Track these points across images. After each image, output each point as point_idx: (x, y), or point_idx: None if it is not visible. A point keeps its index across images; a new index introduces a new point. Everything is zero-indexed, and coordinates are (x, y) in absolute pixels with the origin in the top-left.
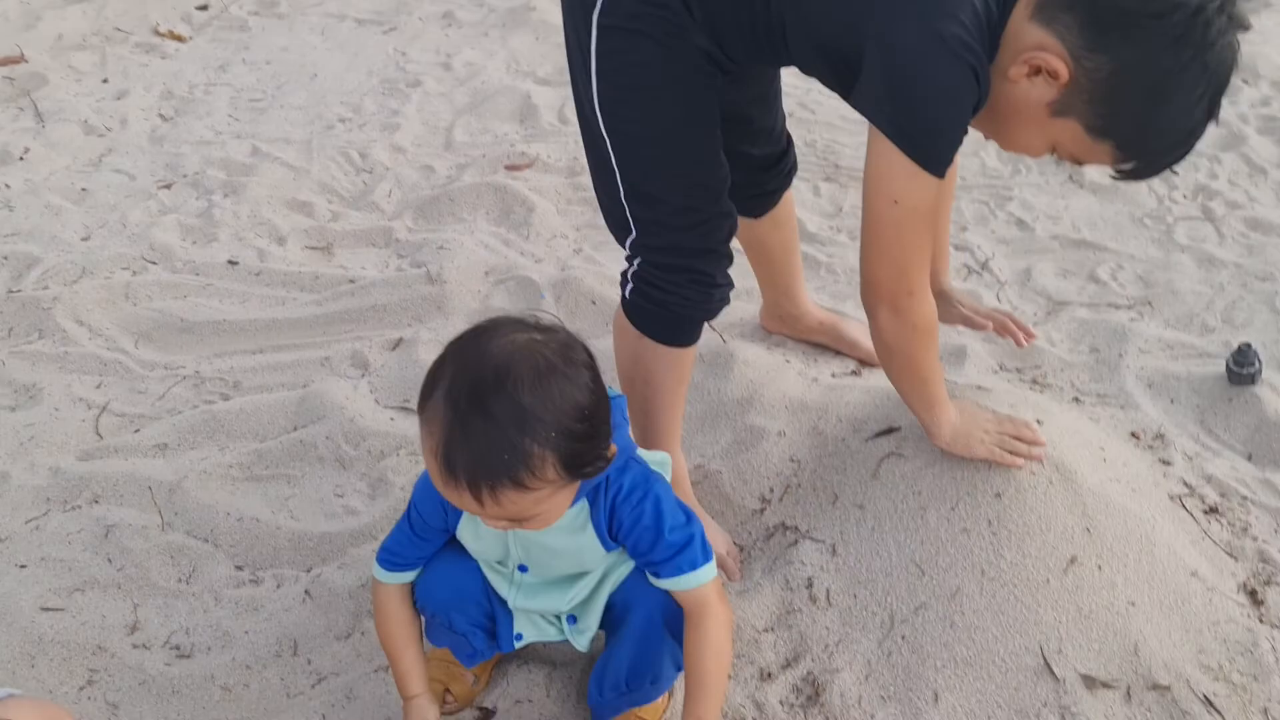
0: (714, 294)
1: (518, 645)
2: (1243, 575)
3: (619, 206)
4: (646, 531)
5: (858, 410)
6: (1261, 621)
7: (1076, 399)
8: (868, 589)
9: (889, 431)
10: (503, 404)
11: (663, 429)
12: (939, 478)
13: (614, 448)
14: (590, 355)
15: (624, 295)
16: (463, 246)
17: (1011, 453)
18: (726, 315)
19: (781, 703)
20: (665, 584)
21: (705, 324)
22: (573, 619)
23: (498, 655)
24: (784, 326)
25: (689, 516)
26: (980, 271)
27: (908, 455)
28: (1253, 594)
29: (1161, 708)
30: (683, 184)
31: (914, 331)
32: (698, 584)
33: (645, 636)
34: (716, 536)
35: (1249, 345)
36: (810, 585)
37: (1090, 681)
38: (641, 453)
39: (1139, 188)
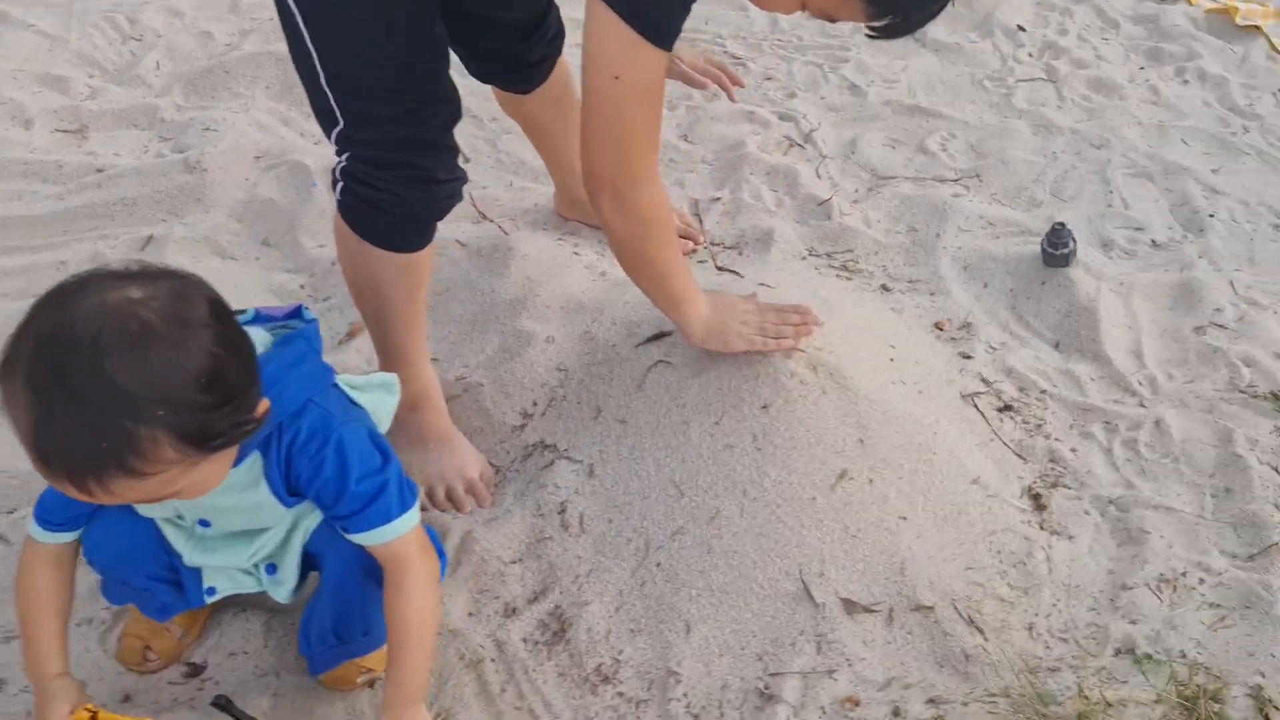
0: (436, 191)
1: (211, 600)
2: (1029, 478)
3: (321, 94)
4: (329, 484)
5: (635, 311)
6: (1041, 528)
7: (885, 286)
8: (623, 513)
9: (659, 336)
10: (91, 382)
11: (399, 344)
12: (704, 389)
13: (264, 404)
14: (216, 305)
15: (336, 195)
16: (233, 127)
17: (777, 337)
18: (518, 201)
19: (525, 640)
20: (356, 539)
21: (485, 217)
22: (272, 568)
23: (210, 605)
24: (578, 212)
25: (385, 459)
26: (803, 144)
27: (675, 363)
28: (1036, 498)
29: (924, 630)
30: (389, 64)
31: (641, 224)
32: (392, 537)
33: (341, 589)
34: (469, 459)
35: (1063, 225)
36: (563, 511)
37: (851, 605)
38: (350, 380)
39: (983, 46)
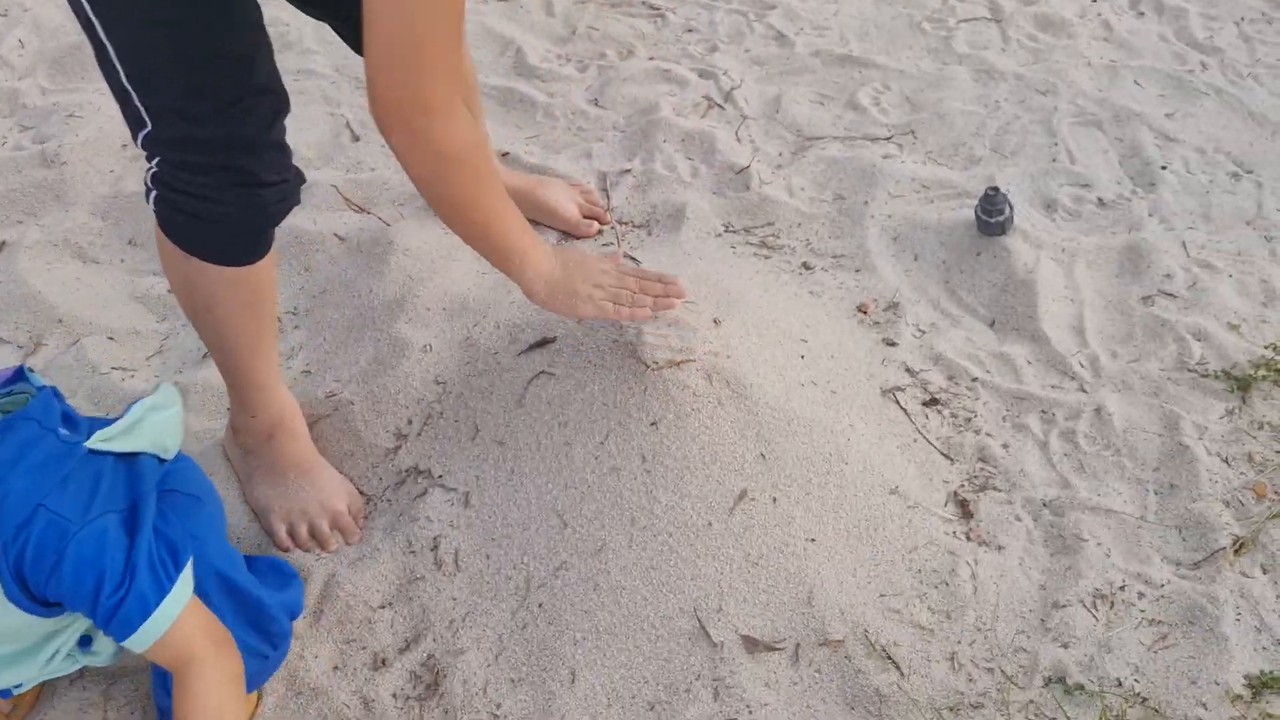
0: (263, 196)
1: (19, 692)
2: (956, 481)
3: (125, 92)
4: (76, 600)
5: (520, 313)
6: (968, 538)
7: (806, 264)
8: (502, 548)
9: (543, 344)
10: None
11: (245, 369)
12: (588, 404)
13: None
14: None
15: (151, 206)
16: (99, 111)
17: (632, 305)
18: (404, 187)
19: (395, 695)
20: (127, 646)
21: (357, 207)
22: (86, 641)
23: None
24: None
25: (131, 548)
26: (722, 104)
27: (559, 374)
28: (963, 505)
29: (833, 667)
30: (195, 54)
31: (441, 160)
32: (159, 633)
33: None
34: (334, 489)
35: (998, 190)
36: (436, 546)
37: (752, 644)
38: (105, 434)
39: None
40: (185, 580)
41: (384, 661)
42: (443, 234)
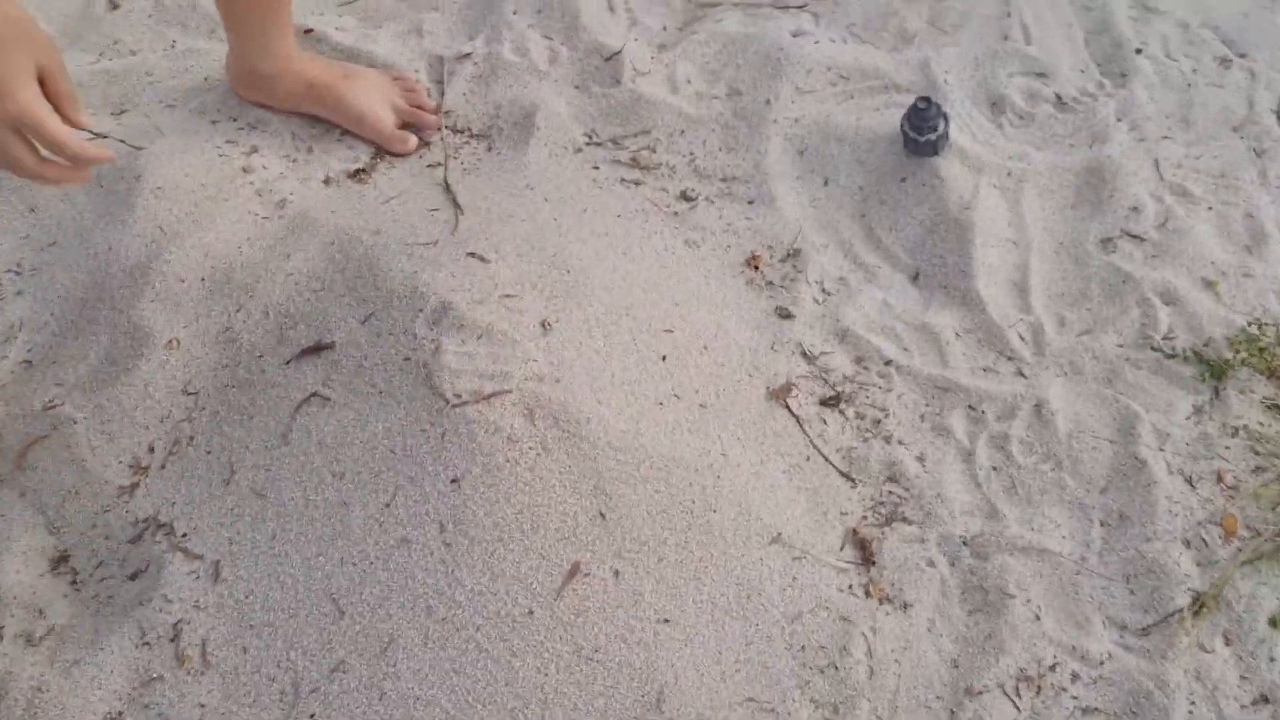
0: None
1: None
2: (857, 511)
3: None
4: None
5: (296, 291)
6: (867, 594)
7: (686, 194)
8: (263, 638)
9: (319, 349)
10: None
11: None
12: (370, 449)
13: None
14: None
15: None
16: None
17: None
18: (179, 77)
19: None
20: None
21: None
22: None
23: None
24: (261, 93)
25: None
26: None
27: (335, 398)
28: (863, 546)
29: None
30: None
31: None
32: None
33: None
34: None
35: (929, 102)
36: (178, 636)
37: None
38: None
39: None
40: None
41: None
42: (218, 153)
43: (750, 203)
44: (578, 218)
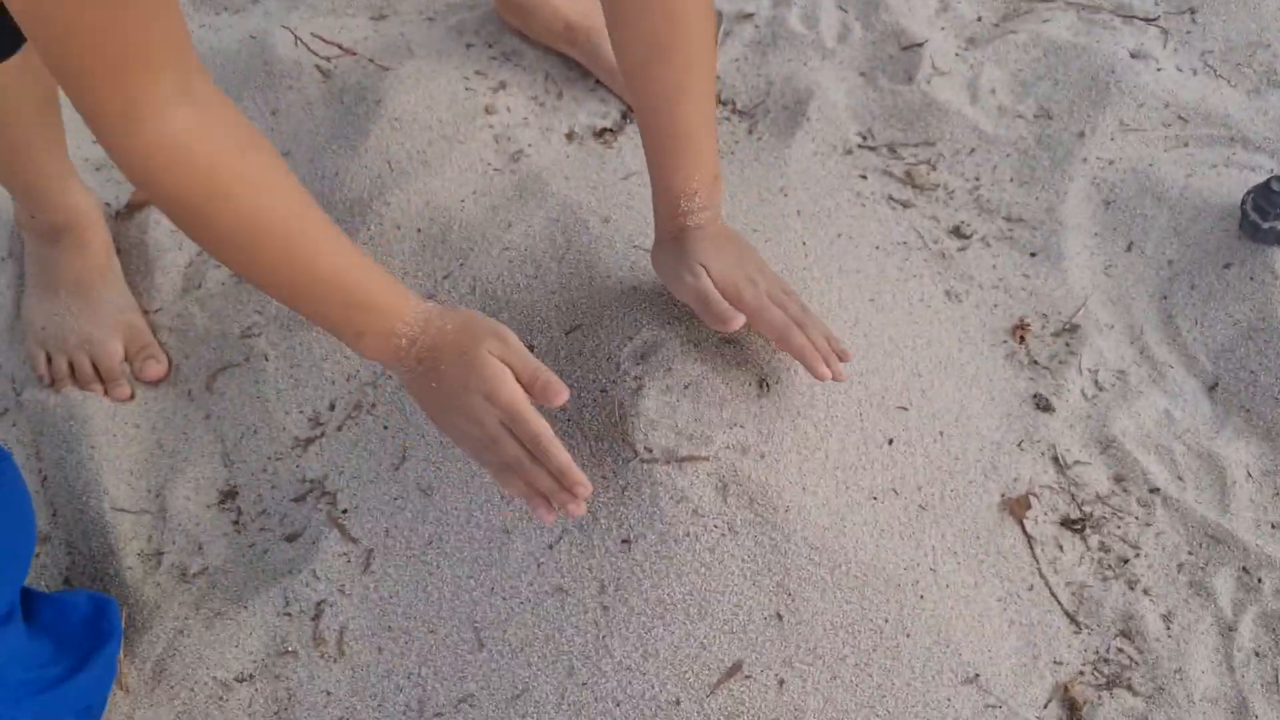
0: None
1: None
2: (1075, 664)
3: None
4: None
5: (510, 265)
6: None
7: (959, 230)
8: (400, 644)
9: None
10: None
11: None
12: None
13: None
14: None
15: None
16: None
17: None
18: None
19: None
20: None
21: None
22: None
23: None
24: (517, 19)
25: None
26: None
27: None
28: (1072, 708)
29: None
30: None
31: (168, 172)
32: None
33: None
34: (111, 319)
35: None
36: (319, 615)
37: None
38: None
39: None
40: None
41: None
42: (464, 85)
43: (1033, 255)
44: (829, 245)
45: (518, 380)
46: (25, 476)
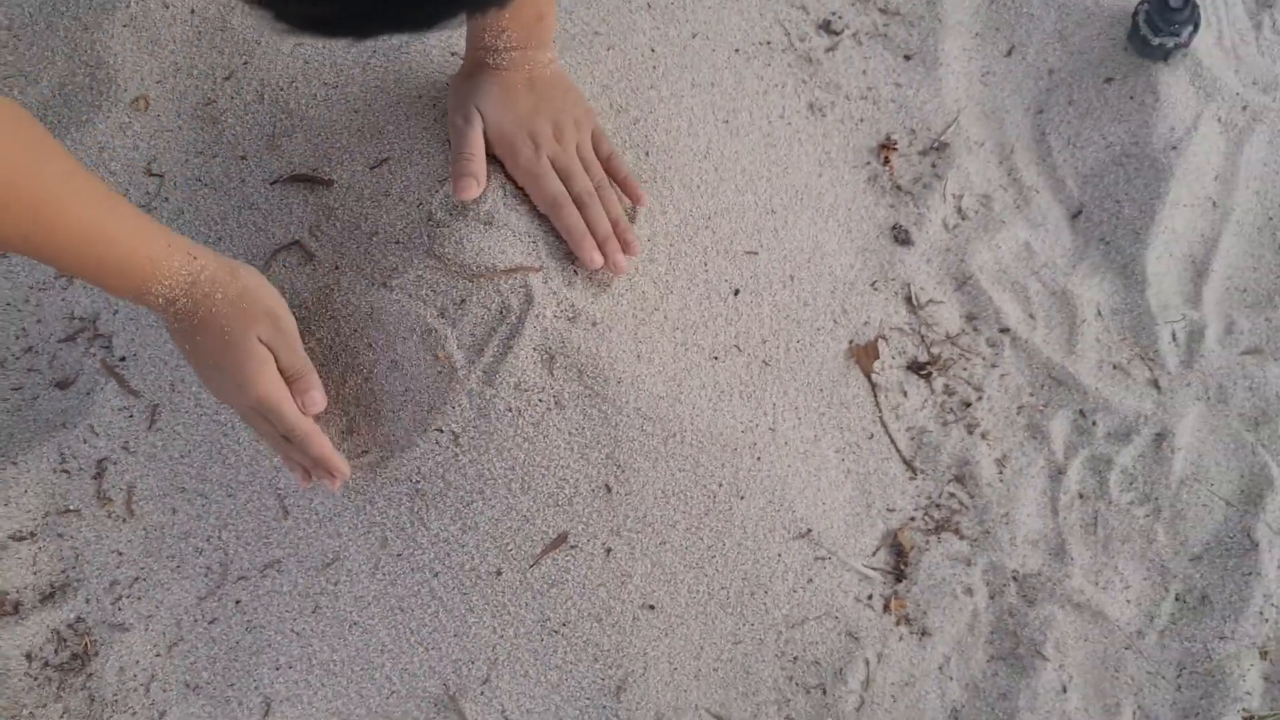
0: None
1: None
2: (906, 510)
3: None
4: None
5: (305, 70)
6: (886, 609)
7: (829, 24)
8: (195, 506)
9: (312, 182)
10: None
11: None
12: (352, 334)
13: None
14: None
15: None
16: None
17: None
18: None
19: (30, 657)
20: None
21: None
22: None
23: None
24: None
25: None
26: None
27: (321, 259)
28: (899, 554)
29: None
30: None
31: None
32: None
33: None
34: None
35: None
36: (101, 473)
37: None
38: None
39: None
40: None
41: (18, 607)
42: None
43: (907, 58)
44: (682, 50)
45: (280, 369)
46: None
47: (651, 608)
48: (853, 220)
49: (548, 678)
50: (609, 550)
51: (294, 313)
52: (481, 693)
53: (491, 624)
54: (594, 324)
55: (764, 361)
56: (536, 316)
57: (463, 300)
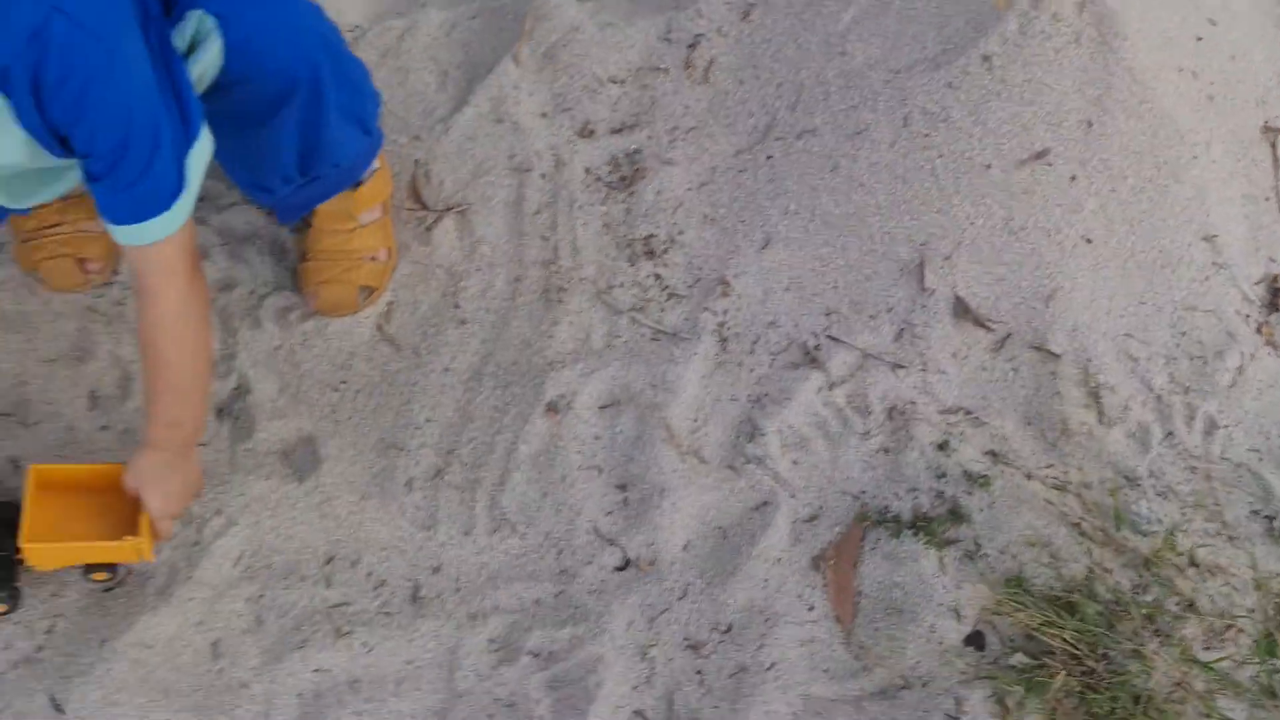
0: None
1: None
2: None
3: None
4: (94, 147)
5: None
6: (1258, 331)
7: None
8: (761, 79)
9: None
10: None
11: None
12: None
13: None
14: None
15: None
16: None
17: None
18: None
19: (588, 171)
20: (112, 233)
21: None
22: None
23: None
24: None
25: (175, 117)
26: None
27: None
28: (1276, 294)
29: (1032, 375)
30: None
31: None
32: (143, 241)
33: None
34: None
35: None
36: (695, 45)
37: (962, 308)
38: None
39: None
40: (184, 205)
41: (591, 132)
42: None
43: None
44: None
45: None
46: None
47: (1090, 241)
48: (1274, 35)
49: (996, 269)
50: (1074, 178)
51: None
52: (942, 267)
53: (969, 211)
54: (1107, 9)
55: (1209, 97)
56: None
57: None
